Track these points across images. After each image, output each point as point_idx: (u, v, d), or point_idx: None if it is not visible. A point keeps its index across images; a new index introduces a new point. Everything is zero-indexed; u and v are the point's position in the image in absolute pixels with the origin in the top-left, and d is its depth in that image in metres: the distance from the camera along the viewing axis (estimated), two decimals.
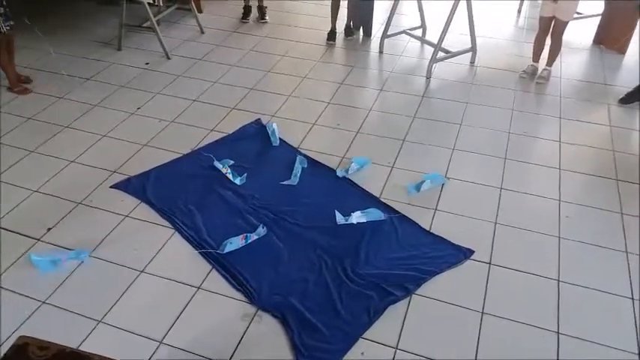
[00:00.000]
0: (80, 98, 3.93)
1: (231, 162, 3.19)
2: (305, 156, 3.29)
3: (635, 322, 2.32)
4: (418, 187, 3.05)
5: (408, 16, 5.31)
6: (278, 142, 3.42)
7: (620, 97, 3.97)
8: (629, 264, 2.60)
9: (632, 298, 2.42)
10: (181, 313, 2.32)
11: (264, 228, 2.70)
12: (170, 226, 2.78)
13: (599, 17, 4.87)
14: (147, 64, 4.47)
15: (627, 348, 2.21)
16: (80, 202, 2.94)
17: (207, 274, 2.50)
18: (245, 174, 3.12)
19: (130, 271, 2.52)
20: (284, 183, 3.09)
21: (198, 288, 2.44)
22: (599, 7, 4.84)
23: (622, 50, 4.68)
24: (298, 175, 3.13)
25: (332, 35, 4.92)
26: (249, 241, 2.63)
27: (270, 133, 3.46)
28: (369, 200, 2.96)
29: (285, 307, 2.32)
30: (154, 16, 4.56)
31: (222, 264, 2.54)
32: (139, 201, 2.94)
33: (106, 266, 2.55)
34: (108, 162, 3.24)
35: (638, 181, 3.15)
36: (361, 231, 2.75)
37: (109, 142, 3.45)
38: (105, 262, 2.57)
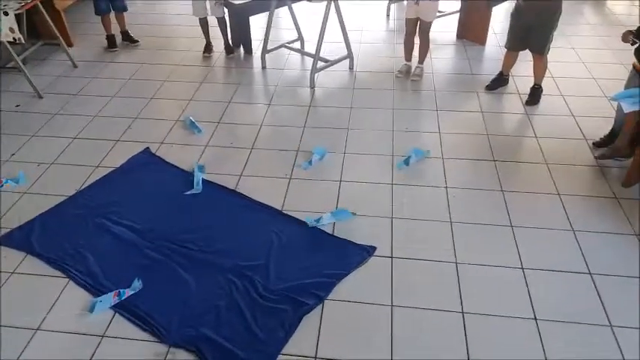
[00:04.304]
0: None
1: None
2: (201, 166, 3.31)
3: (527, 289, 2.52)
4: (407, 162, 3.38)
5: (285, 30, 5.41)
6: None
7: (486, 84, 4.33)
8: (514, 236, 2.83)
9: (522, 268, 2.63)
10: None
11: (140, 282, 2.53)
12: (63, 275, 2.60)
13: (458, 14, 5.28)
14: (17, 106, 4.16)
15: (524, 314, 2.40)
16: None
17: (111, 320, 2.37)
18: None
19: (24, 331, 2.33)
20: (188, 193, 3.09)
21: (102, 336, 2.30)
22: (457, 5, 5.26)
23: (482, 42, 5.12)
24: (200, 182, 3.13)
25: (208, 48, 5.01)
26: (123, 298, 2.45)
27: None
28: (272, 214, 2.98)
29: (198, 339, 2.26)
30: (19, 55, 4.26)
31: (126, 307, 2.42)
32: (25, 254, 2.73)
33: None
34: None
35: (514, 160, 3.46)
36: (267, 245, 2.75)
37: None
38: None
